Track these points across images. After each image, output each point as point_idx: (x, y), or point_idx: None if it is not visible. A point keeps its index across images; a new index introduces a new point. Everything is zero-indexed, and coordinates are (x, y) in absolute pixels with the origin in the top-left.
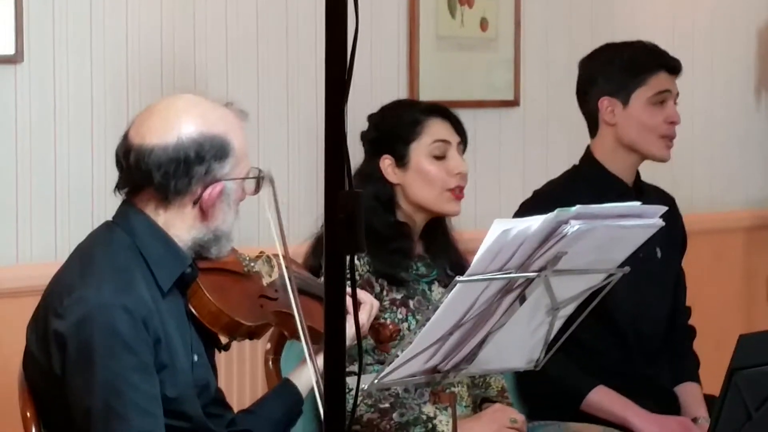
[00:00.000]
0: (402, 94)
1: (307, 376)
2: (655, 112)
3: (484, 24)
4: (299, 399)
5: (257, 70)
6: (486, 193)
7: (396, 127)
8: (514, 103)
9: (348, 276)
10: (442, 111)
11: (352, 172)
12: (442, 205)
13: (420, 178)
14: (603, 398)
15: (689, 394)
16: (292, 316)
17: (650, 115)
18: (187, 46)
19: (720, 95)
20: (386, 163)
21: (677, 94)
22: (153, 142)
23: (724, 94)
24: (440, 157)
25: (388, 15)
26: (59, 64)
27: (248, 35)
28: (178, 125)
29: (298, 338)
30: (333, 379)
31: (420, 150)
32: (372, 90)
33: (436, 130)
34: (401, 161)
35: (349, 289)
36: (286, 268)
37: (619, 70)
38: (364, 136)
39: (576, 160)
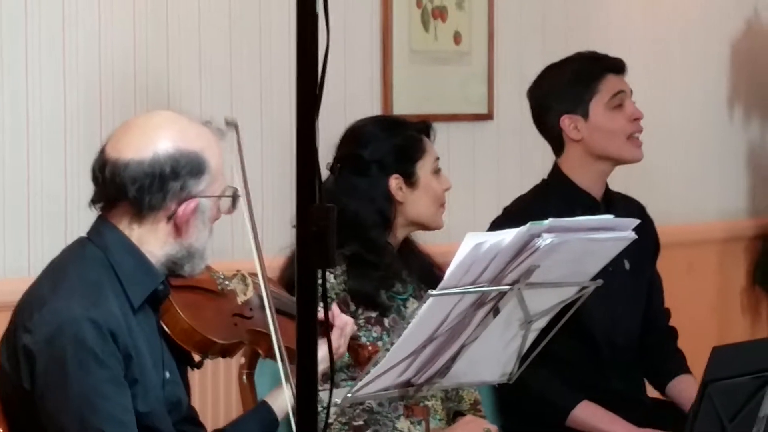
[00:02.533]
0: (375, 108)
1: (282, 398)
2: (617, 115)
3: (457, 38)
4: (275, 421)
5: (231, 85)
6: (460, 206)
7: (402, 146)
8: (488, 116)
9: (320, 291)
10: (429, 128)
11: (343, 190)
12: (438, 219)
13: (426, 195)
14: (588, 414)
15: (686, 384)
16: (267, 335)
17: (612, 119)
18: (160, 61)
19: (694, 107)
20: (395, 183)
21: (631, 92)
22: (129, 156)
23: (698, 107)
24: (437, 174)
25: (362, 29)
26: (32, 79)
27: (221, 51)
28: (155, 141)
29: (273, 357)
30: (305, 394)
31: (426, 168)
32: (345, 104)
33: (431, 148)
34: (410, 180)
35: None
36: (264, 286)
37: (569, 86)
38: (359, 156)
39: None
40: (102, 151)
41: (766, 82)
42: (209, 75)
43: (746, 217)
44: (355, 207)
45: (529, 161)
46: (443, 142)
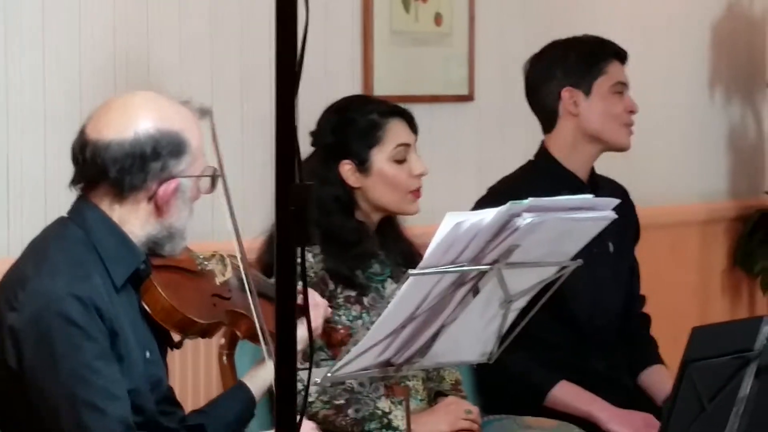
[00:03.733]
0: (356, 88)
1: (261, 378)
2: (617, 102)
3: (438, 19)
4: (252, 401)
5: (211, 64)
6: (441, 188)
7: (356, 132)
8: (468, 98)
9: (299, 268)
10: (399, 111)
11: (306, 172)
12: (404, 206)
13: (382, 182)
14: (567, 393)
15: (657, 375)
16: (245, 316)
17: (613, 104)
18: (141, 40)
19: (675, 89)
20: (346, 168)
21: (629, 85)
22: (110, 137)
23: (679, 89)
24: (401, 161)
25: (342, 9)
26: (11, 58)
27: (201, 29)
28: (136, 121)
29: (251, 338)
30: (284, 373)
31: (382, 155)
32: (326, 84)
33: (397, 133)
34: (362, 166)
35: (300, 284)
36: (244, 267)
37: (576, 62)
38: (319, 139)
39: (532, 155)
40: (82, 132)
41: (747, 65)
42: (189, 55)
43: (727, 199)
44: (316, 190)
45: (510, 142)
46: (425, 123)
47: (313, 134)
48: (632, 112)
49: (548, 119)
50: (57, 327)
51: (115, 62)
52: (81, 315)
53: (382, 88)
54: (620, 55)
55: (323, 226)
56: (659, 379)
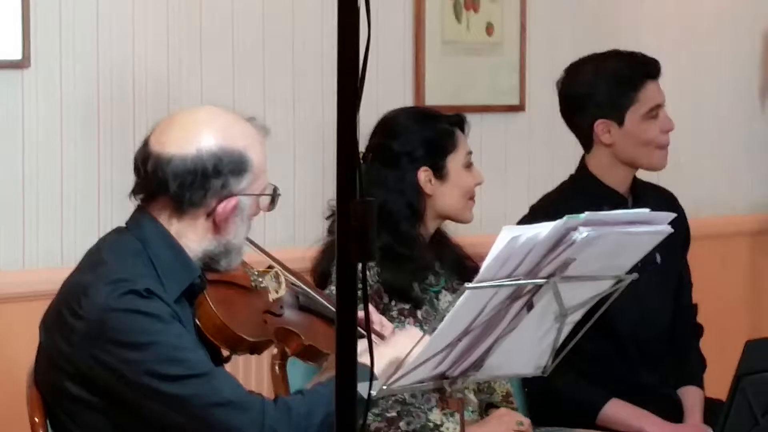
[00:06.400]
0: (408, 99)
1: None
2: (651, 126)
3: (489, 28)
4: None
5: (263, 76)
6: (491, 198)
7: (433, 141)
8: (519, 107)
9: (360, 286)
10: (463, 122)
11: (373, 181)
12: (465, 213)
13: (455, 189)
14: (618, 411)
15: (689, 398)
16: (295, 334)
17: (647, 130)
18: (194, 52)
19: (725, 98)
20: (424, 176)
21: (664, 101)
22: (172, 151)
23: (729, 97)
24: (468, 168)
25: (394, 20)
26: (66, 69)
27: (254, 43)
28: (199, 137)
29: (299, 356)
30: (344, 388)
31: (457, 161)
32: (378, 95)
33: (464, 142)
34: (439, 173)
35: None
36: (295, 276)
37: (607, 90)
38: (389, 147)
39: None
40: (145, 143)
41: None
42: (242, 69)
43: None
44: (385, 198)
45: (561, 152)
46: (475, 133)
47: (381, 143)
48: (667, 131)
49: (584, 142)
50: (127, 320)
51: (169, 73)
52: (147, 305)
53: (433, 98)
54: (653, 74)
55: (385, 237)
56: (691, 404)
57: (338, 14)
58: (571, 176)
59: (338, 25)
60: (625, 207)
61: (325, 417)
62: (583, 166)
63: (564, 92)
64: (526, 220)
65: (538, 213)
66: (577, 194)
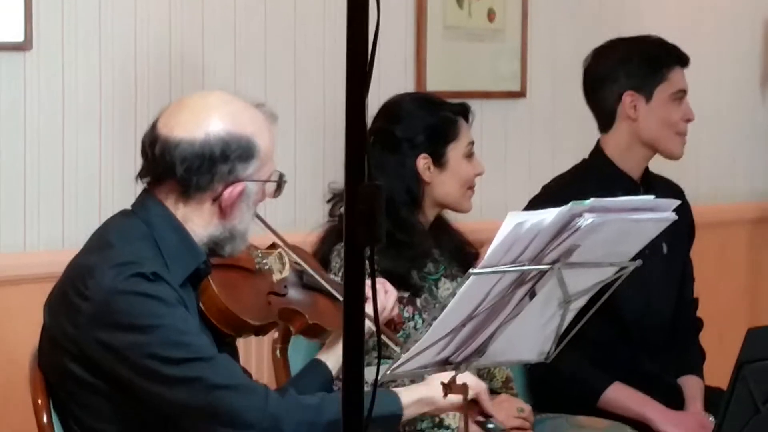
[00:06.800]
0: (409, 84)
1: (337, 354)
2: (675, 109)
3: (491, 14)
4: (331, 378)
5: (265, 61)
6: (492, 184)
7: (435, 128)
8: (520, 94)
9: (368, 268)
10: (467, 109)
11: (373, 165)
12: (464, 202)
13: (454, 178)
14: (620, 395)
15: (690, 387)
16: (299, 312)
17: (671, 112)
18: (196, 38)
19: (725, 88)
20: (423, 163)
21: (688, 91)
22: (180, 135)
23: (729, 87)
24: (469, 158)
25: (396, 5)
26: (68, 52)
27: (256, 27)
28: (207, 122)
29: (304, 333)
30: (352, 371)
31: (458, 151)
32: (379, 80)
33: (467, 131)
34: (439, 161)
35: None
36: (299, 257)
37: (639, 66)
38: (392, 133)
39: (582, 152)
40: (153, 127)
41: None
42: (243, 55)
43: None
44: (384, 183)
45: (561, 140)
46: (476, 119)
47: (383, 128)
48: (689, 120)
49: (606, 119)
50: (133, 303)
51: (170, 56)
52: (152, 287)
53: (434, 84)
54: (683, 61)
55: (388, 221)
56: (692, 393)
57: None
58: (584, 159)
59: (348, 10)
60: (637, 193)
61: (335, 418)
62: (598, 149)
63: (592, 67)
64: (538, 198)
65: (550, 193)
66: (591, 177)
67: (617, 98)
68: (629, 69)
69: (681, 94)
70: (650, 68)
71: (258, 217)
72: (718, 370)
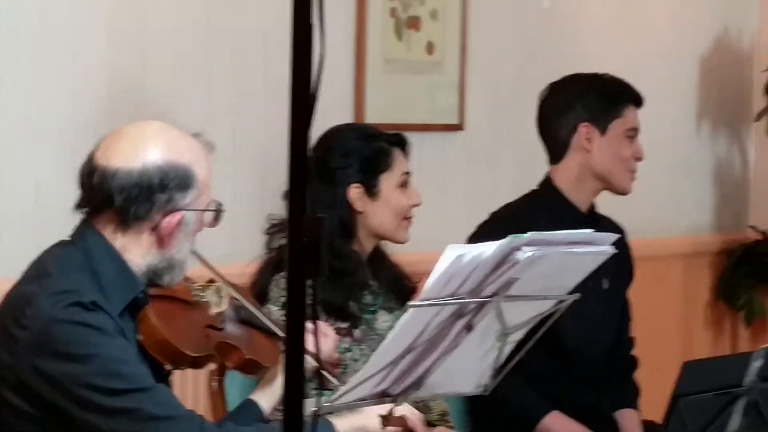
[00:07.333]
0: (348, 116)
1: (270, 394)
2: (628, 146)
3: (430, 47)
4: (263, 419)
5: (204, 91)
6: (430, 216)
7: (367, 158)
8: (458, 127)
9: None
10: (403, 140)
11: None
12: (399, 233)
13: (387, 208)
14: (556, 423)
15: (627, 420)
16: (236, 348)
17: (624, 148)
18: (135, 68)
19: (662, 122)
20: (354, 192)
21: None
22: (118, 165)
23: (666, 121)
24: (404, 189)
25: (336, 37)
26: (3, 83)
27: (197, 56)
28: (145, 151)
29: (240, 369)
30: (293, 403)
31: (390, 181)
32: (319, 112)
33: (402, 162)
34: (371, 191)
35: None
36: (236, 291)
37: (597, 99)
38: (325, 162)
39: (521, 184)
40: (91, 157)
41: (734, 99)
42: (184, 82)
43: (711, 233)
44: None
45: (499, 172)
46: (414, 151)
47: (318, 158)
48: (639, 159)
49: (558, 150)
50: (71, 332)
51: (109, 91)
52: (91, 317)
53: (374, 116)
54: (638, 101)
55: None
56: (629, 426)
57: (292, 31)
58: (534, 190)
59: (292, 42)
60: (584, 226)
61: None
62: (548, 180)
63: (549, 99)
64: (486, 226)
65: (498, 221)
66: (540, 207)
67: (572, 129)
68: (587, 101)
69: (633, 132)
70: (608, 103)
71: (195, 253)
72: (653, 403)
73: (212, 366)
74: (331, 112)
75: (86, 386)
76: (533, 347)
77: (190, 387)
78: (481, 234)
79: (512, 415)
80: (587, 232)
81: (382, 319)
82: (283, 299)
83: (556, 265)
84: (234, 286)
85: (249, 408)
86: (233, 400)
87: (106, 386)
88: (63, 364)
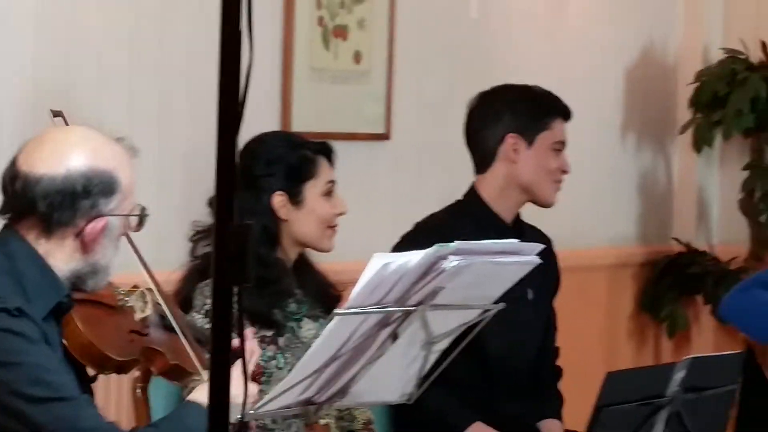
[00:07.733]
0: (274, 124)
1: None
2: (554, 158)
3: (357, 57)
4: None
5: (129, 97)
6: (355, 225)
7: (291, 166)
8: (385, 136)
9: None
10: (328, 149)
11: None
12: (323, 242)
13: (311, 216)
14: None
15: (551, 430)
16: (160, 353)
17: (550, 160)
18: (59, 72)
19: (588, 134)
20: (278, 200)
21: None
22: (41, 171)
23: (591, 134)
24: (328, 197)
25: (263, 45)
26: None
27: (122, 61)
28: (68, 157)
29: (165, 375)
30: (218, 412)
31: (315, 189)
32: (245, 120)
33: (327, 170)
34: (295, 199)
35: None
36: (160, 297)
37: (525, 111)
38: (249, 170)
39: (446, 194)
40: (13, 163)
41: (659, 111)
42: (108, 87)
43: (635, 244)
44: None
45: (426, 182)
46: (340, 161)
47: (242, 165)
48: (565, 172)
49: (484, 160)
50: None
51: (34, 96)
52: (16, 323)
53: (299, 124)
54: (566, 115)
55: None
56: None
57: (221, 37)
58: (458, 200)
59: (221, 48)
60: (509, 236)
61: None
62: (473, 190)
63: (477, 108)
64: (409, 236)
65: (422, 230)
66: (464, 217)
67: (500, 139)
68: (515, 112)
69: (560, 145)
70: (536, 114)
71: (137, 253)
72: (577, 413)
73: (136, 373)
74: (257, 119)
75: (10, 393)
76: (458, 356)
77: (113, 394)
78: (405, 244)
79: (435, 424)
80: (513, 242)
81: (307, 327)
82: (207, 307)
83: (481, 274)
84: (161, 290)
85: (188, 407)
86: (157, 408)
87: (30, 393)
88: None
